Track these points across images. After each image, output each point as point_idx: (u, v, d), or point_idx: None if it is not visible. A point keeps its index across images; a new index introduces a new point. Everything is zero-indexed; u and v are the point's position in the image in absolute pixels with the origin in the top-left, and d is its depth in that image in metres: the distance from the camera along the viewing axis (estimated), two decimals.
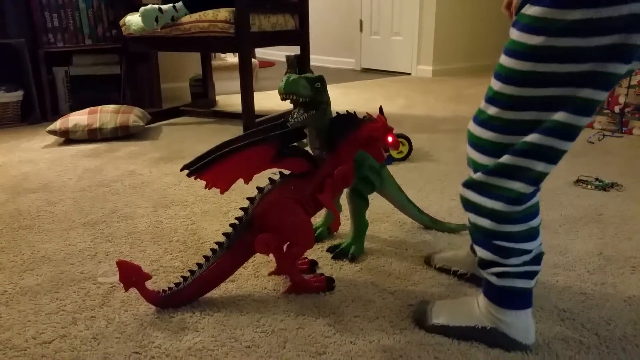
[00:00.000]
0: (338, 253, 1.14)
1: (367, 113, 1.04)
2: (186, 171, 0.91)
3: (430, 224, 1.26)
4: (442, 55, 4.40)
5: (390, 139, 1.02)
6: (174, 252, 1.18)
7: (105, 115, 2.26)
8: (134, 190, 1.61)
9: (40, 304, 0.97)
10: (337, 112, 1.01)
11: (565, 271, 1.06)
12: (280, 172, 0.98)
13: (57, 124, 2.21)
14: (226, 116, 2.74)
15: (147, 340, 0.85)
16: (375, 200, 1.19)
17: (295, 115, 1.03)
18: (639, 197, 1.47)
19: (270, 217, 0.94)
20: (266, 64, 5.40)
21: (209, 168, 0.90)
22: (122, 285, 0.90)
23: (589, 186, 1.56)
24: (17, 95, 2.61)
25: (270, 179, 0.98)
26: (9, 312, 0.94)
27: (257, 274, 1.06)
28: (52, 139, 2.30)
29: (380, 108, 1.08)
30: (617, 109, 2.24)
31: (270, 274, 1.06)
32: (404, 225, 1.29)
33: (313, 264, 1.09)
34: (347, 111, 1.01)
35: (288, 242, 0.97)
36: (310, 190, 0.97)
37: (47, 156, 2.04)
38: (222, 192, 0.92)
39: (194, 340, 0.85)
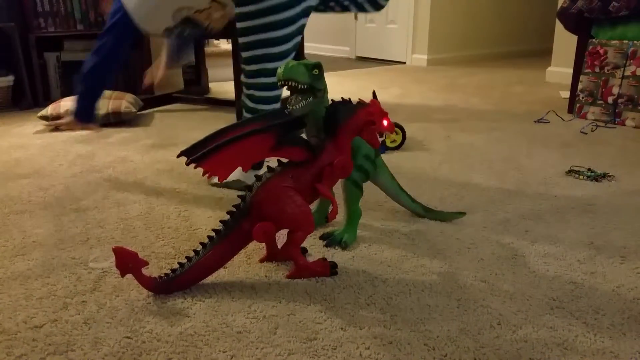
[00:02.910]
0: (331, 241, 1.14)
1: (359, 99, 1.03)
2: (182, 158, 0.90)
3: (423, 212, 1.27)
4: (437, 44, 4.38)
5: (385, 122, 1.02)
6: (166, 238, 1.17)
7: None
8: (125, 176, 1.60)
9: (31, 288, 0.97)
10: (332, 100, 1.01)
11: (556, 260, 1.07)
12: (278, 161, 0.98)
13: (49, 110, 2.19)
14: (219, 103, 2.73)
15: (139, 325, 0.85)
16: (368, 189, 1.19)
17: (292, 102, 1.03)
18: (631, 188, 1.48)
19: (269, 206, 0.94)
20: None
21: (209, 157, 0.89)
22: (117, 271, 0.90)
23: (581, 176, 1.57)
24: (8, 80, 2.58)
25: (268, 167, 0.98)
26: (0, 297, 0.94)
27: (249, 260, 1.07)
28: (44, 124, 2.28)
29: (374, 93, 1.08)
30: (610, 99, 2.25)
31: (261, 261, 1.06)
32: (396, 214, 1.30)
33: (303, 251, 1.09)
34: (342, 98, 1.01)
35: (289, 229, 0.97)
36: (308, 179, 0.97)
37: (38, 142, 2.02)
38: (220, 180, 0.92)
39: (186, 325, 0.85)
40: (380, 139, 1.12)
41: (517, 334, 0.83)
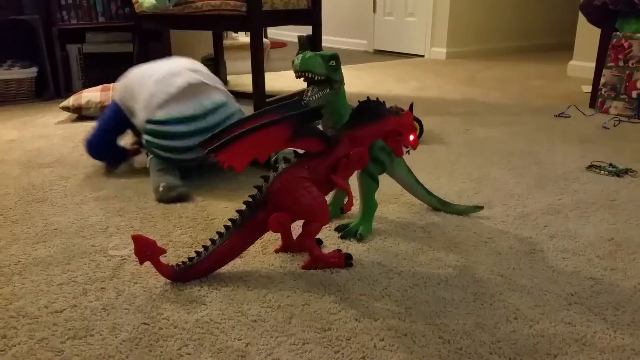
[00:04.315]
0: (346, 232, 1.14)
1: (396, 106, 1.04)
2: (201, 149, 0.91)
3: (439, 205, 1.26)
4: (456, 37, 4.33)
5: (412, 137, 1.01)
6: (184, 227, 1.19)
7: None
8: (144, 166, 1.62)
9: (52, 274, 0.99)
10: (367, 97, 1.01)
11: (575, 256, 1.05)
12: (294, 151, 0.98)
13: (70, 101, 2.22)
14: (237, 96, 2.72)
15: (156, 312, 0.87)
16: (384, 182, 1.19)
17: (309, 94, 1.03)
18: None
19: (285, 197, 0.95)
20: (278, 45, 5.37)
21: (226, 147, 0.90)
22: (136, 258, 0.91)
23: (602, 172, 1.54)
24: (32, 71, 2.63)
25: (284, 157, 0.98)
26: (23, 282, 0.96)
27: (264, 250, 1.07)
28: (65, 115, 2.32)
29: (411, 105, 1.08)
30: (634, 94, 2.20)
31: (276, 251, 1.06)
32: (412, 207, 1.29)
33: (318, 242, 1.09)
34: (377, 98, 1.01)
35: (305, 220, 0.98)
36: (324, 170, 0.97)
37: (60, 132, 2.05)
38: (237, 171, 0.93)
39: (202, 313, 0.86)
40: (405, 150, 1.11)
41: (534, 328, 0.82)
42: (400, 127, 1.00)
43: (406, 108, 1.06)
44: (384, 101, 1.01)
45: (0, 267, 1.01)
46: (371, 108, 1.00)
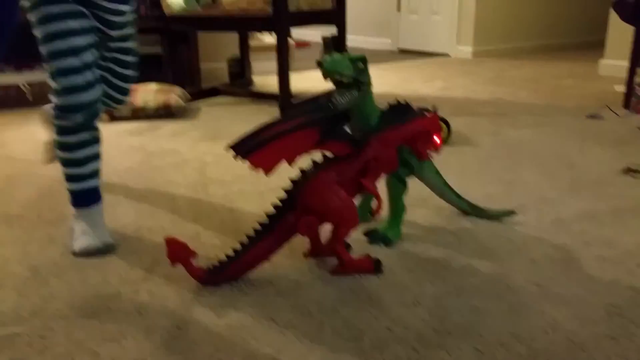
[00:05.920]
0: (374, 237, 1.13)
1: (419, 108, 1.04)
2: (231, 151, 0.91)
3: (469, 209, 1.24)
4: (483, 35, 4.26)
5: (437, 139, 1.01)
6: (213, 229, 1.19)
7: (148, 94, 2.29)
8: (175, 168, 1.64)
9: (87, 275, 1.00)
10: (397, 100, 1.01)
11: (613, 264, 1.02)
12: (323, 155, 0.98)
13: None
14: (263, 96, 2.75)
15: (188, 316, 0.87)
16: (413, 185, 1.17)
17: (337, 96, 1.02)
18: None
19: (314, 200, 0.94)
20: (301, 44, 5.37)
21: (256, 150, 0.90)
22: (168, 260, 0.92)
23: (639, 175, 1.49)
24: None
25: (313, 161, 0.98)
26: (59, 283, 0.98)
27: (292, 254, 1.07)
28: None
29: (434, 107, 1.08)
30: None
31: (305, 256, 1.06)
32: (441, 211, 1.27)
33: (346, 247, 1.08)
34: (405, 101, 1.00)
35: (333, 224, 0.97)
36: (353, 173, 0.97)
37: None
38: (266, 174, 0.92)
39: (233, 317, 0.86)
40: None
41: (573, 341, 0.80)
42: (429, 128, 0.99)
43: (430, 109, 1.06)
44: (411, 104, 1.01)
45: (39, 268, 1.04)
46: (401, 110, 0.99)
